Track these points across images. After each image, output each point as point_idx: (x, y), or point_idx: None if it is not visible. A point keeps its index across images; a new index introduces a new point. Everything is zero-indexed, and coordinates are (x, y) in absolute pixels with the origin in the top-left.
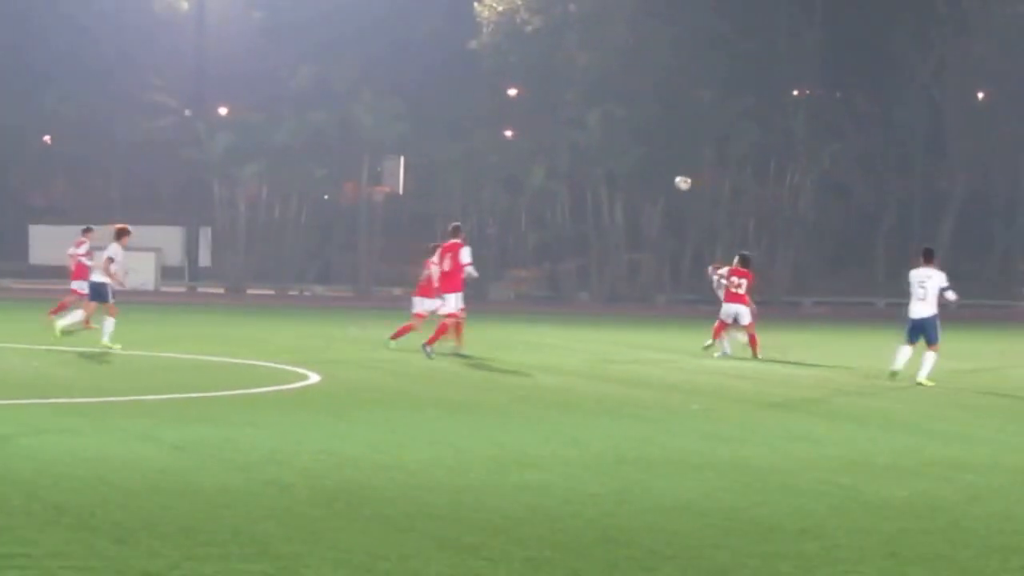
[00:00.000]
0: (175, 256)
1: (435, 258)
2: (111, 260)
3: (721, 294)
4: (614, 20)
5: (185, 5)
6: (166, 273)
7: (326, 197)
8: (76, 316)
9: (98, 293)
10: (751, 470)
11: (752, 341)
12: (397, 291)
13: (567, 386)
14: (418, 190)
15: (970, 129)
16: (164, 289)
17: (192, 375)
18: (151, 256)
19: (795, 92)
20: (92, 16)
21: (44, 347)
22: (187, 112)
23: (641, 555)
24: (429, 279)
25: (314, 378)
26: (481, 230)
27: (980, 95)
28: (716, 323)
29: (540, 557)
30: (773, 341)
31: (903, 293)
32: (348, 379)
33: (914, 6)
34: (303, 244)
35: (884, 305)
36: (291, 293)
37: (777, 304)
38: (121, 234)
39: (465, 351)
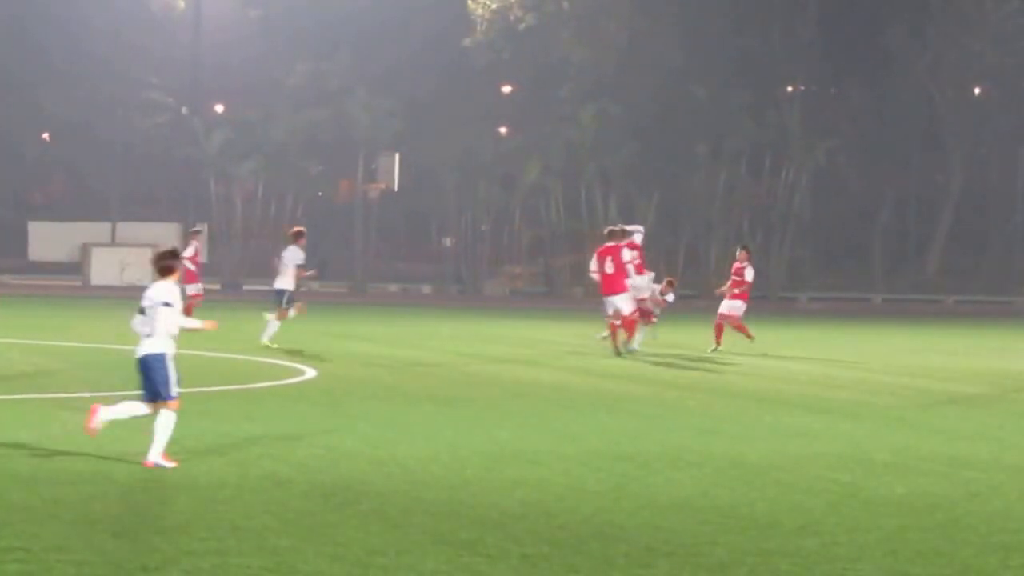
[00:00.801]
0: None
1: (593, 264)
2: (297, 265)
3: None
4: (608, 17)
5: (182, 4)
6: None
7: (321, 194)
8: (273, 326)
9: (285, 298)
10: (748, 466)
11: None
12: (392, 288)
13: (563, 382)
14: (413, 187)
15: (966, 125)
16: None
17: (189, 370)
18: (148, 252)
19: (790, 88)
20: (89, 15)
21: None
22: (184, 110)
23: (638, 552)
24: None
25: (310, 373)
26: (475, 226)
27: (976, 91)
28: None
29: (536, 553)
30: (772, 337)
31: (900, 289)
32: (344, 375)
33: (909, 2)
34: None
35: (881, 301)
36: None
37: (773, 300)
38: (298, 236)
39: (634, 346)
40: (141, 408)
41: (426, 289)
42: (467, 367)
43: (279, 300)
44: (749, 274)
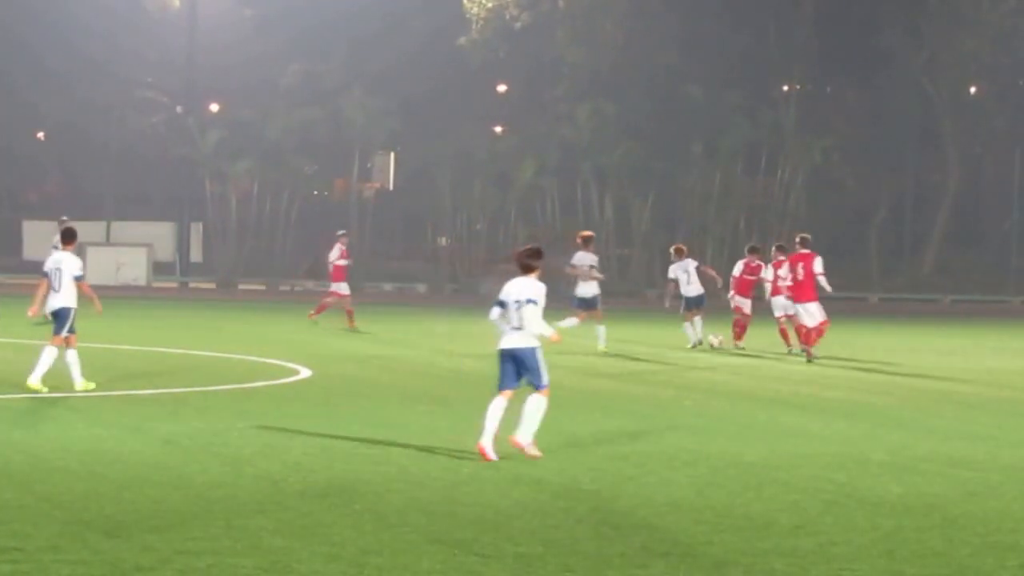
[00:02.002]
0: (167, 251)
1: (783, 271)
2: (592, 267)
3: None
4: (603, 16)
5: (177, 3)
6: (157, 268)
7: (316, 193)
8: (571, 322)
9: (590, 303)
10: (744, 466)
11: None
12: (388, 287)
13: (558, 381)
14: (408, 186)
15: (962, 124)
16: (155, 284)
17: (184, 370)
18: (143, 251)
19: (786, 87)
20: (84, 15)
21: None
22: (179, 109)
23: (633, 551)
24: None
25: (305, 373)
26: (471, 226)
27: (972, 90)
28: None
29: (532, 553)
30: (769, 337)
31: (896, 288)
32: (339, 374)
33: (905, 1)
34: (294, 240)
35: (877, 300)
36: (282, 288)
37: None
38: (588, 241)
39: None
40: (543, 403)
41: (421, 288)
42: (462, 366)
43: (585, 307)
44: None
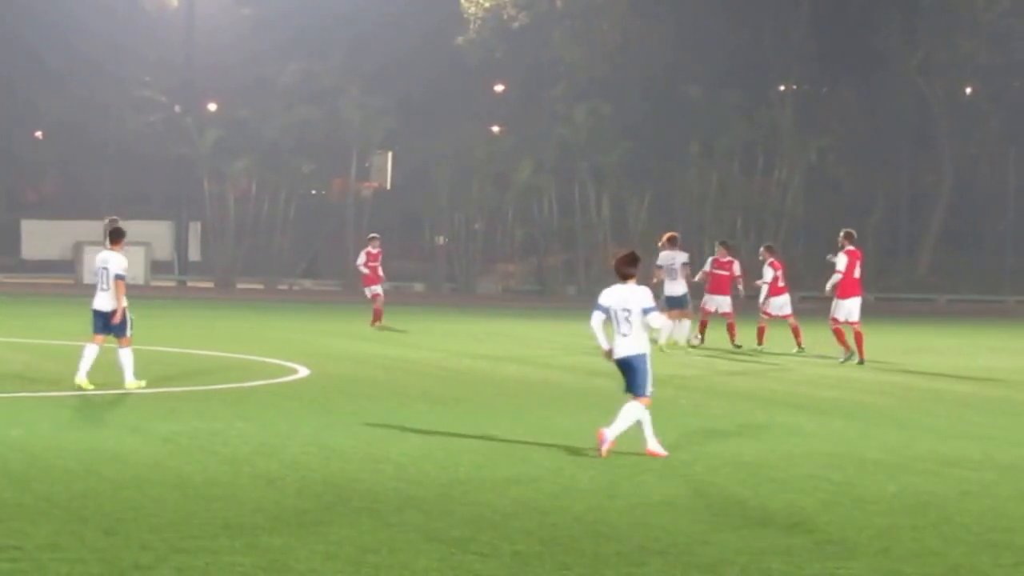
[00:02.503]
0: (165, 250)
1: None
2: (685, 264)
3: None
4: (601, 16)
5: (175, 3)
6: (156, 267)
7: (314, 192)
8: (666, 325)
9: (679, 301)
10: (741, 465)
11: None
12: (385, 286)
13: (555, 380)
14: (406, 185)
15: (957, 124)
16: (154, 283)
17: (181, 369)
18: (141, 250)
19: (782, 87)
20: (82, 14)
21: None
22: (176, 108)
23: (630, 550)
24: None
25: (303, 372)
26: (468, 225)
27: (967, 90)
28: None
29: (529, 551)
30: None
31: (891, 288)
32: (337, 373)
33: (901, 2)
34: (291, 239)
35: (873, 300)
36: (280, 287)
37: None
38: (674, 241)
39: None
40: (641, 411)
41: (419, 287)
42: (460, 365)
43: (674, 305)
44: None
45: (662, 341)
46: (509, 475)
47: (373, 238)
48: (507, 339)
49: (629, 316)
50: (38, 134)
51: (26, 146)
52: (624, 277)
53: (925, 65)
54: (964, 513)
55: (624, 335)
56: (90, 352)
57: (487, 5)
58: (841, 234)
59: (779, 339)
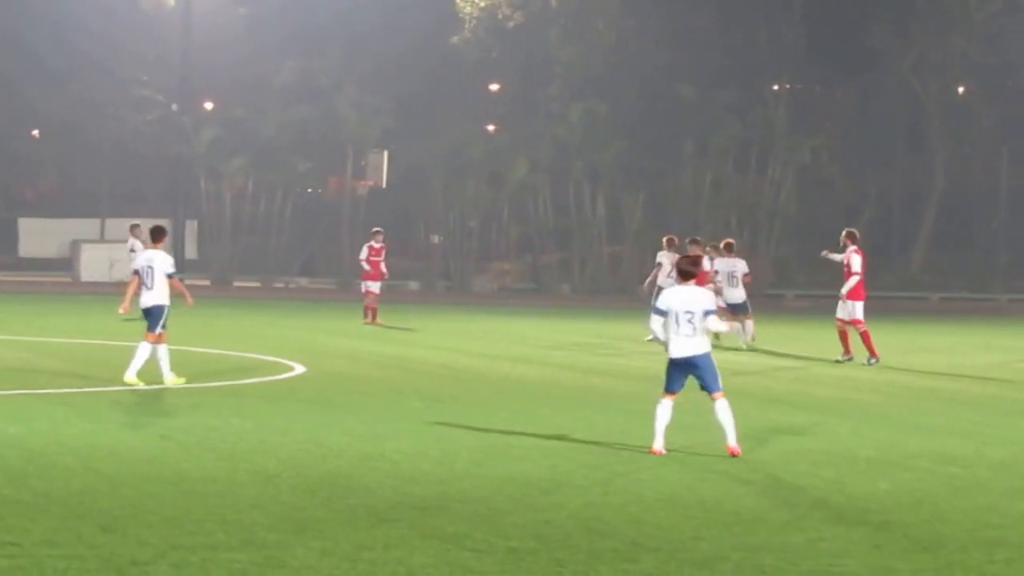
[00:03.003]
0: None
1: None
2: (747, 273)
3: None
4: (596, 16)
5: (171, 2)
6: None
7: (310, 190)
8: (734, 327)
9: (740, 308)
10: (734, 462)
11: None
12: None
13: (550, 378)
14: (401, 184)
15: (950, 123)
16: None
17: (178, 366)
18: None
19: (776, 86)
20: (79, 13)
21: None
22: (173, 107)
23: (624, 547)
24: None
25: (299, 369)
26: (464, 223)
27: (960, 89)
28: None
29: (524, 548)
30: (758, 334)
31: (884, 286)
32: (333, 370)
33: (894, 1)
34: (288, 237)
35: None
36: (276, 285)
37: (759, 297)
38: (730, 247)
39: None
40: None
41: (414, 285)
42: (455, 363)
43: (735, 311)
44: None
45: (742, 341)
46: (504, 472)
47: (376, 232)
48: (502, 337)
49: (692, 318)
50: (35, 133)
51: (23, 145)
52: (686, 277)
53: (918, 64)
54: (957, 510)
55: (687, 336)
56: (162, 352)
57: (482, 5)
58: (844, 234)
59: (770, 338)
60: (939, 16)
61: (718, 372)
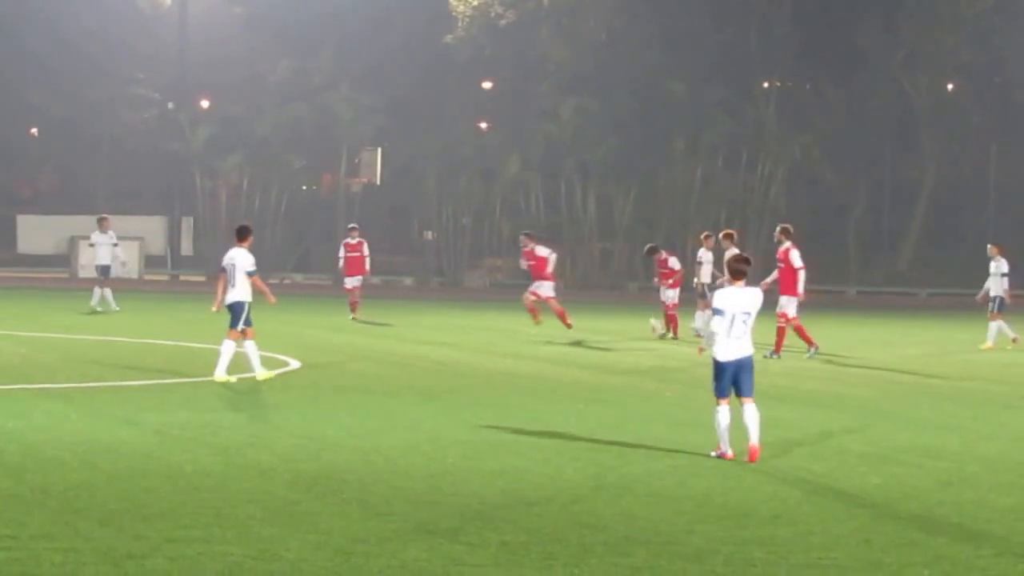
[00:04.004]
0: (158, 245)
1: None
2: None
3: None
4: (587, 13)
5: (168, 1)
6: (149, 262)
7: (304, 188)
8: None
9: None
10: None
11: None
12: (375, 280)
13: (542, 373)
14: (395, 181)
15: (939, 120)
16: (147, 277)
17: (174, 361)
18: (135, 245)
19: (766, 84)
20: (77, 12)
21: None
22: (170, 105)
23: (615, 540)
24: None
25: (294, 364)
26: (456, 220)
27: (949, 87)
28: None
29: (516, 542)
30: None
31: (874, 281)
32: (327, 365)
33: None
34: (282, 234)
35: (855, 293)
36: (271, 281)
37: None
38: (730, 238)
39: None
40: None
41: (408, 281)
42: (448, 358)
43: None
44: (675, 263)
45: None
46: (496, 466)
47: (351, 228)
48: (494, 332)
49: (748, 319)
50: (34, 131)
51: (22, 142)
52: (739, 276)
53: (907, 62)
54: (945, 504)
55: (738, 338)
56: (250, 348)
57: (475, 3)
58: (779, 229)
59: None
60: (928, 14)
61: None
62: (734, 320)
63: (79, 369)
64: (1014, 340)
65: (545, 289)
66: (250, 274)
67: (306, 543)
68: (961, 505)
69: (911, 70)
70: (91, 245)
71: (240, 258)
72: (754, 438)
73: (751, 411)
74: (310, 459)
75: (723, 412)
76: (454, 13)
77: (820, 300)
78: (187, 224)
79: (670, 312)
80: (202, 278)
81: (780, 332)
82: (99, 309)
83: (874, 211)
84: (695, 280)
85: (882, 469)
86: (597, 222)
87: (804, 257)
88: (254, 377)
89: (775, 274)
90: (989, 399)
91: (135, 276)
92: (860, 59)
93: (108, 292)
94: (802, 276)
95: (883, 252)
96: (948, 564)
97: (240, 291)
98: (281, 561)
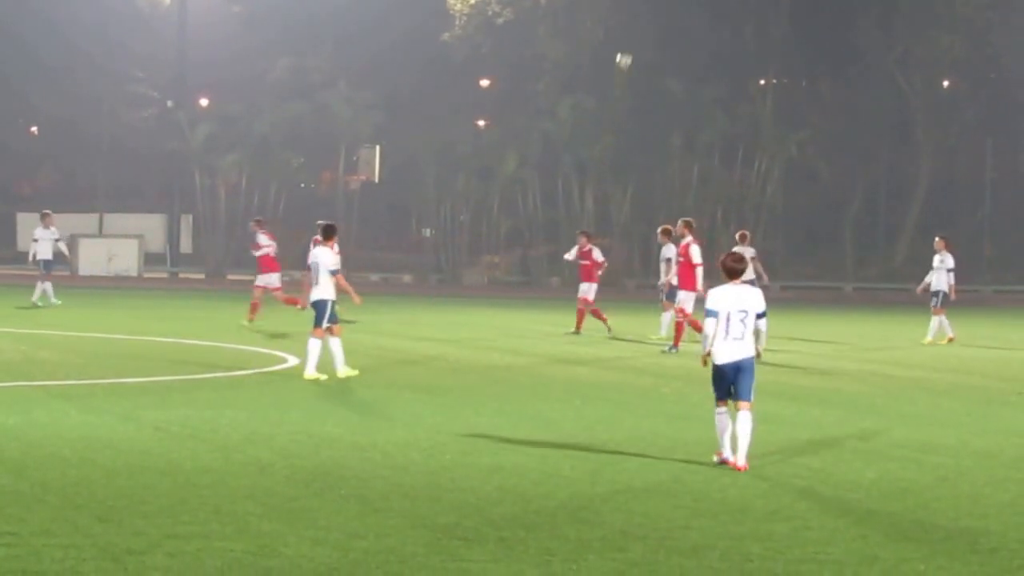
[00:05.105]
0: (157, 243)
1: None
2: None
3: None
4: (584, 12)
5: (167, 0)
6: (148, 259)
7: (303, 185)
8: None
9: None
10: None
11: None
12: (374, 277)
13: (539, 369)
14: (393, 179)
15: (935, 116)
16: (146, 275)
17: (173, 358)
18: (134, 243)
19: (762, 81)
20: (77, 11)
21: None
22: (169, 103)
23: (612, 535)
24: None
25: (292, 361)
26: (455, 217)
27: (945, 83)
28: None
29: (513, 537)
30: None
31: (870, 277)
32: (325, 362)
33: None
34: (281, 231)
35: (851, 289)
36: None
37: None
38: (688, 226)
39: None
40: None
41: (406, 278)
42: (446, 355)
43: None
44: (598, 255)
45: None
46: (494, 462)
47: (260, 221)
48: (492, 329)
49: (744, 318)
50: (33, 129)
51: (22, 141)
52: (734, 275)
53: (903, 58)
54: (941, 499)
55: (736, 338)
56: (333, 345)
57: (472, 1)
58: (681, 223)
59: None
60: (924, 11)
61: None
62: (730, 320)
63: (79, 366)
64: (950, 339)
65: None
66: (333, 273)
67: (305, 539)
68: (957, 500)
69: (907, 67)
70: (34, 240)
71: (323, 257)
72: (741, 454)
73: (744, 421)
74: (309, 455)
75: (722, 416)
76: (452, 12)
77: (817, 296)
78: (186, 222)
79: (580, 307)
80: (201, 275)
81: (679, 327)
82: (39, 304)
83: (870, 207)
84: (661, 280)
85: (878, 464)
86: (594, 219)
87: (800, 254)
88: (335, 373)
89: (674, 269)
90: (985, 395)
91: (135, 274)
92: (856, 56)
93: (49, 286)
94: (700, 273)
95: (879, 248)
96: (944, 559)
97: (323, 289)
98: (280, 557)
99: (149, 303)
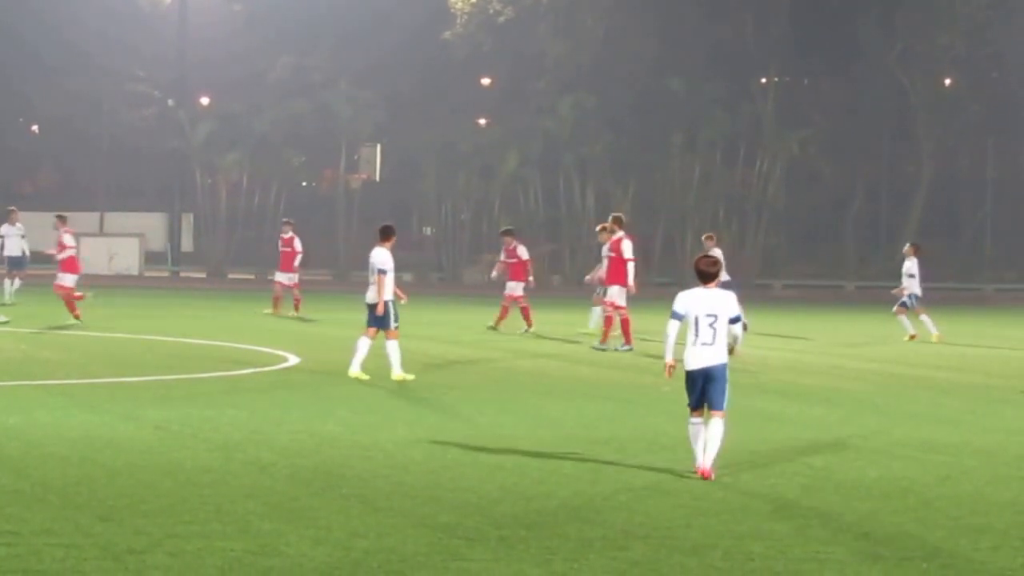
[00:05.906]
0: (158, 241)
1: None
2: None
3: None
4: (584, 10)
5: None
6: (149, 258)
7: (304, 184)
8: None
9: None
10: (722, 451)
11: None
12: (285, 277)
13: (540, 368)
14: (394, 177)
15: (936, 115)
16: (147, 274)
17: (174, 357)
18: (135, 241)
19: (764, 79)
20: (77, 10)
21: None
22: (170, 102)
23: (614, 534)
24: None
25: (293, 360)
26: (455, 216)
27: (946, 81)
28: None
29: (514, 536)
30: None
31: (871, 276)
32: (326, 361)
33: None
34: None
35: (853, 288)
36: (270, 277)
37: (747, 287)
38: (619, 222)
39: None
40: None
41: (407, 277)
42: (446, 353)
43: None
44: (523, 252)
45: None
46: (495, 461)
47: (285, 223)
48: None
49: (715, 323)
50: (34, 128)
51: (22, 140)
52: (708, 279)
53: (904, 57)
54: (943, 498)
55: (706, 344)
56: (363, 345)
57: (473, 0)
58: (611, 218)
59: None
60: (925, 9)
61: (728, 388)
62: (699, 324)
63: (79, 365)
64: (912, 336)
65: (518, 289)
66: (380, 272)
67: (306, 538)
68: (959, 499)
69: (908, 65)
70: (1, 236)
71: (377, 256)
72: (708, 457)
73: (716, 425)
74: (310, 454)
75: (695, 426)
76: (453, 10)
77: (818, 295)
78: (187, 221)
79: (505, 303)
80: (202, 274)
81: (608, 321)
82: (9, 302)
83: (871, 206)
84: (590, 276)
85: (880, 462)
86: (596, 217)
87: (802, 253)
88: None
89: (604, 264)
90: (986, 393)
91: (135, 273)
92: (857, 54)
93: (16, 283)
94: (631, 268)
95: (881, 246)
96: (946, 557)
97: (385, 290)
98: (281, 556)
99: (150, 302)
